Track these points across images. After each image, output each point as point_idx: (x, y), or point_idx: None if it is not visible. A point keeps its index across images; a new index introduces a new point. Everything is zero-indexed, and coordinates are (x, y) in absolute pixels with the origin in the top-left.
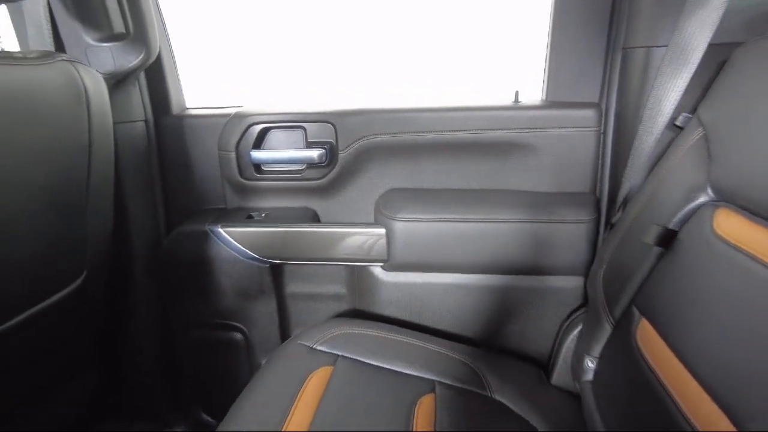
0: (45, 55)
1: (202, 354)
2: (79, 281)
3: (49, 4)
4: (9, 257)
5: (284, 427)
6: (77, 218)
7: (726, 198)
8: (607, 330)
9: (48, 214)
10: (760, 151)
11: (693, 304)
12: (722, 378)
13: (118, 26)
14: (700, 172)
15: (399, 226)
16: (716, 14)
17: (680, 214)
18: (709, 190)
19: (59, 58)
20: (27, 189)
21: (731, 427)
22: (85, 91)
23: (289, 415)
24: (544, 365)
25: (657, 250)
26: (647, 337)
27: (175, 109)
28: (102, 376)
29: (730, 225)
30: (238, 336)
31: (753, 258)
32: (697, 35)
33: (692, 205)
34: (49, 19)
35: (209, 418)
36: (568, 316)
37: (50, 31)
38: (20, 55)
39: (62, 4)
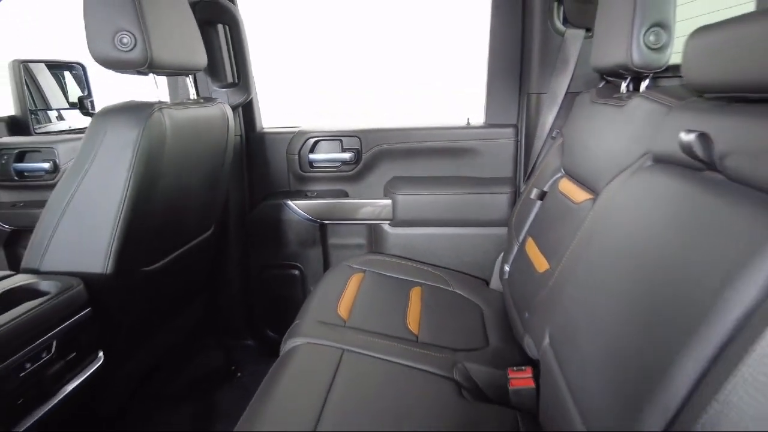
0: (210, 100)
1: (271, 286)
2: (210, 231)
3: None
4: (188, 216)
5: (339, 301)
6: (218, 192)
7: (567, 173)
8: (515, 247)
9: (207, 189)
10: (580, 149)
11: (545, 222)
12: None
13: (231, 77)
14: (559, 160)
15: (399, 198)
16: (569, 75)
17: (549, 182)
18: (562, 170)
19: (218, 101)
20: (200, 173)
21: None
22: (231, 117)
23: (341, 297)
24: (487, 276)
25: (538, 202)
26: (531, 247)
27: (257, 128)
28: (206, 301)
29: (566, 186)
30: (296, 272)
31: (570, 200)
32: (561, 86)
33: (554, 177)
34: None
35: (272, 334)
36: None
37: (192, 83)
38: (201, 100)
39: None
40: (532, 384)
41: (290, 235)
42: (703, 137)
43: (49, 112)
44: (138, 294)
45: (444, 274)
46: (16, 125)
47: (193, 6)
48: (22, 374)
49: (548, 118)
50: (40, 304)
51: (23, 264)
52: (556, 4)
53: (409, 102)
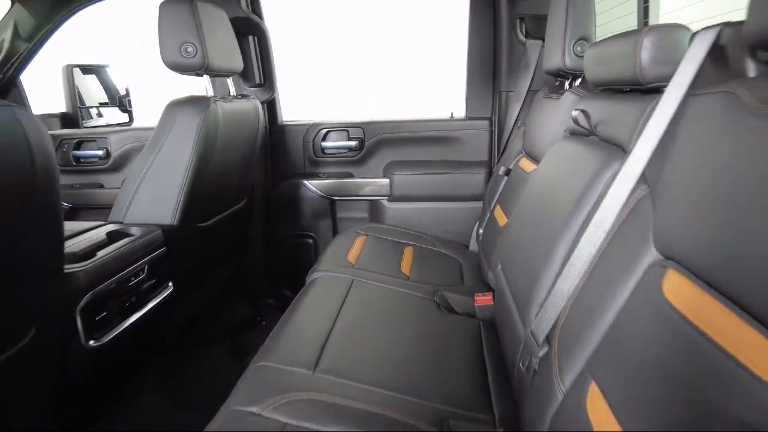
0: (244, 97)
1: (289, 253)
2: (243, 203)
3: None
4: (229, 189)
5: (348, 253)
6: (249, 172)
7: (526, 153)
8: (487, 214)
9: (242, 168)
10: (534, 134)
11: (508, 191)
12: None
13: (258, 79)
14: (521, 144)
15: (396, 178)
16: (530, 76)
17: (513, 161)
18: (523, 151)
19: (251, 98)
20: (238, 154)
21: None
22: (262, 111)
23: (350, 250)
24: (467, 242)
25: (505, 178)
26: (497, 211)
27: (278, 121)
28: (236, 264)
29: (524, 162)
30: (310, 241)
31: (524, 171)
32: (524, 85)
33: (517, 157)
34: (239, 77)
35: (288, 293)
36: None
37: (232, 83)
38: (239, 96)
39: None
40: (491, 302)
41: (305, 210)
42: (584, 113)
43: (90, 109)
44: (194, 243)
45: (431, 238)
46: (68, 120)
47: (232, 21)
48: (130, 284)
49: (514, 111)
50: (135, 239)
51: (110, 218)
52: (519, 20)
53: (412, 109)
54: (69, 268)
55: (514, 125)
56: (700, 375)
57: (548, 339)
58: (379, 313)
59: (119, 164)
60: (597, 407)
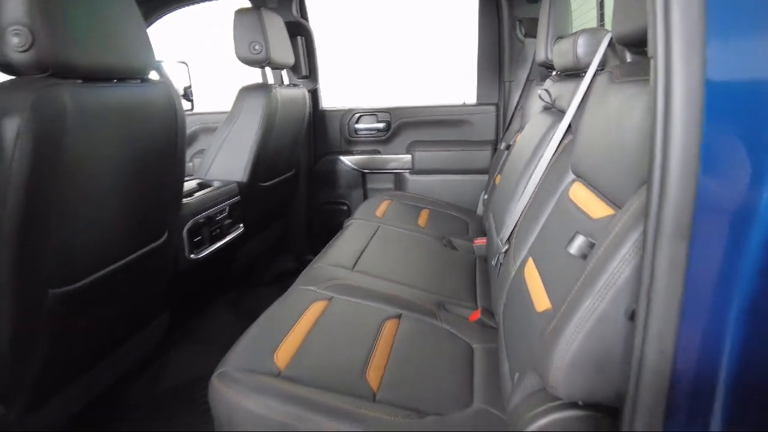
0: (294, 85)
1: (327, 217)
2: (291, 172)
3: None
4: (282, 159)
5: (375, 211)
6: (297, 147)
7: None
8: (491, 183)
9: (292, 144)
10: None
11: (505, 161)
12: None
13: (305, 71)
14: (519, 125)
15: (417, 154)
16: (528, 68)
17: (512, 139)
18: (521, 129)
19: (300, 87)
20: (290, 133)
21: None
22: (308, 98)
23: (377, 209)
24: (475, 207)
25: (506, 152)
26: (498, 178)
27: (320, 107)
28: (282, 227)
29: (518, 138)
30: (344, 208)
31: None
32: (522, 76)
33: (515, 136)
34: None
35: None
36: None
37: (286, 74)
38: (291, 85)
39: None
40: (485, 242)
41: (341, 181)
42: (546, 91)
43: None
44: (258, 197)
45: (445, 204)
46: None
47: (285, 25)
48: (216, 219)
49: (515, 97)
50: (219, 188)
51: (194, 175)
52: (518, 22)
53: (429, 96)
54: (183, 201)
55: (515, 109)
56: (571, 224)
57: (509, 240)
58: (398, 243)
59: (188, 143)
60: (530, 272)
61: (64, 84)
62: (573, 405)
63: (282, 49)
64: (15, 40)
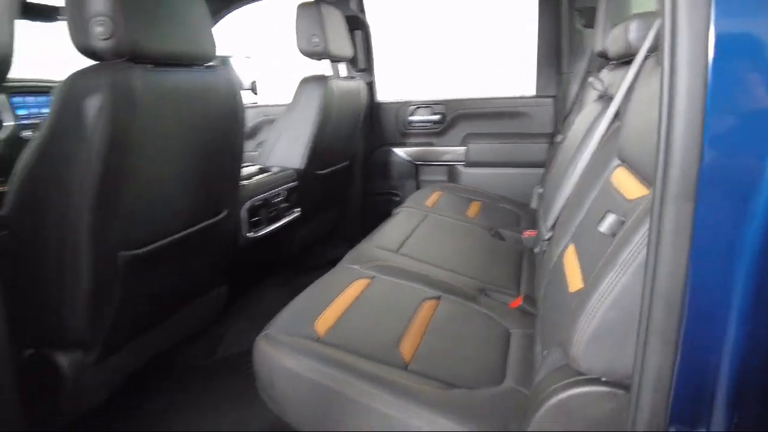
0: (354, 78)
1: (380, 206)
2: (347, 162)
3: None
4: (338, 148)
5: (425, 201)
6: (354, 138)
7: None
8: (546, 176)
9: (350, 134)
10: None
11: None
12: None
13: (362, 65)
14: (575, 117)
15: (472, 147)
16: (587, 60)
17: (569, 131)
18: (576, 123)
19: (357, 79)
20: (348, 124)
21: None
22: (365, 90)
23: (427, 199)
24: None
25: (562, 145)
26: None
27: (376, 99)
28: (338, 214)
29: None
30: (397, 198)
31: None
32: (581, 68)
33: (572, 128)
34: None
35: None
36: None
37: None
38: (349, 77)
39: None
40: (534, 234)
41: (394, 172)
42: (598, 79)
43: None
44: (314, 184)
45: (497, 198)
46: None
47: (345, 19)
48: (273, 201)
49: (573, 90)
50: (277, 173)
51: (255, 162)
52: (577, 12)
53: (485, 88)
54: (242, 182)
55: (573, 101)
56: (606, 206)
57: (552, 227)
58: (443, 231)
59: (252, 133)
60: (569, 256)
61: (137, 68)
62: (594, 381)
63: (340, 42)
64: (99, 29)
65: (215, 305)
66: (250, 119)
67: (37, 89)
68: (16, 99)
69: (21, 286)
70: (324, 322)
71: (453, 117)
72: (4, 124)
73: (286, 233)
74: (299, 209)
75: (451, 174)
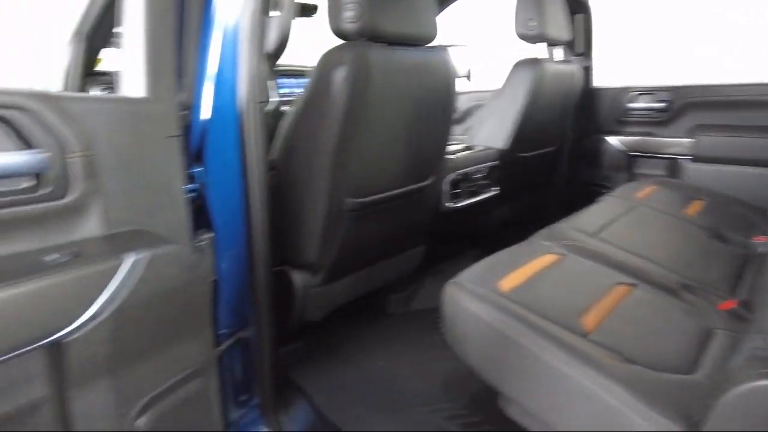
0: (569, 62)
1: (586, 198)
2: (553, 148)
3: None
4: (547, 132)
5: (635, 194)
6: (564, 123)
7: None
8: None
9: (560, 121)
10: None
11: None
12: None
13: (581, 49)
14: None
15: (704, 139)
16: None
17: None
18: None
19: (573, 63)
20: (557, 107)
21: None
22: (580, 75)
23: (637, 192)
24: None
25: None
26: None
27: (591, 84)
28: (539, 200)
29: None
30: (605, 191)
31: None
32: None
33: None
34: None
35: None
36: None
37: (562, 50)
38: (564, 60)
39: None
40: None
41: (605, 162)
42: None
43: None
44: (515, 166)
45: (729, 199)
46: None
47: (568, 2)
48: (474, 176)
49: None
50: (481, 151)
51: (461, 141)
52: None
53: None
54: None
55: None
56: None
57: None
58: (651, 223)
59: (462, 118)
60: None
61: (374, 47)
62: None
63: (557, 25)
64: (349, 14)
65: (412, 263)
66: (462, 105)
67: (293, 72)
68: (279, 80)
69: (277, 215)
70: (509, 282)
71: (681, 105)
72: (270, 99)
73: (483, 209)
74: (498, 188)
75: (673, 169)
